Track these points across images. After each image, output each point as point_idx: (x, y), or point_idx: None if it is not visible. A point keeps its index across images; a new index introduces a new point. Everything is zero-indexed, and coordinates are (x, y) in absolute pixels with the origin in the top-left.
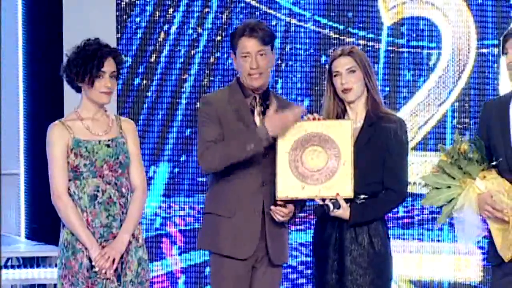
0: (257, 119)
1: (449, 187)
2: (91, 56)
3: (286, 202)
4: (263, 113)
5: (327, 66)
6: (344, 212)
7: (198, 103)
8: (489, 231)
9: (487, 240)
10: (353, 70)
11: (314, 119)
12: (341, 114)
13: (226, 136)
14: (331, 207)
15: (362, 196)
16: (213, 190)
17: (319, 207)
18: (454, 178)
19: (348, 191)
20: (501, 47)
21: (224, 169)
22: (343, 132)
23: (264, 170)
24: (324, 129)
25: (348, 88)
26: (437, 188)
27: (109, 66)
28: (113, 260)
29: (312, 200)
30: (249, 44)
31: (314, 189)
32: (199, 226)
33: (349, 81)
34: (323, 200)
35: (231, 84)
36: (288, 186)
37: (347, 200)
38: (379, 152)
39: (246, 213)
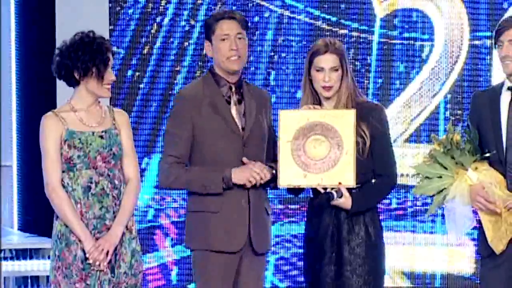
0: (233, 109)
1: (440, 177)
2: (99, 50)
3: (288, 191)
4: (239, 101)
5: (307, 56)
6: (346, 201)
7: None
8: (479, 222)
9: (477, 232)
10: (336, 69)
11: (315, 108)
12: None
13: (200, 135)
14: (335, 195)
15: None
16: None
17: (324, 195)
18: (446, 168)
19: (350, 180)
20: (494, 40)
21: (203, 165)
22: (346, 122)
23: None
24: (327, 118)
25: (330, 86)
26: (428, 177)
27: (112, 59)
28: (107, 252)
29: (307, 191)
30: (229, 26)
31: (316, 178)
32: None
33: (331, 79)
34: (325, 189)
35: (205, 76)
36: (290, 174)
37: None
38: (366, 141)
39: (233, 206)
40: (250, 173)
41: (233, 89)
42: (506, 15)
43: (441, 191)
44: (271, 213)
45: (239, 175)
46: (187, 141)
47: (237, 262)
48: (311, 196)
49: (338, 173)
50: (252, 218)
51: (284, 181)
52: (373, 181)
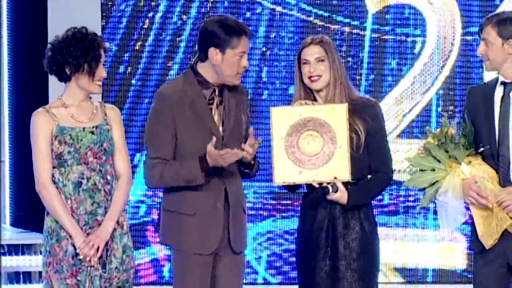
0: (214, 111)
1: (434, 169)
2: (90, 47)
3: (284, 187)
4: (220, 102)
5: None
6: (342, 195)
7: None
8: (471, 217)
9: (469, 227)
10: (322, 59)
11: (307, 104)
12: None
13: (181, 135)
14: (331, 189)
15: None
16: (171, 187)
17: (319, 189)
18: (439, 161)
19: (345, 174)
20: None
21: None
22: (338, 116)
23: None
24: (319, 113)
25: (316, 76)
26: (421, 170)
27: (103, 56)
28: (98, 248)
29: (302, 187)
30: (248, 44)
31: (311, 174)
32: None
33: (317, 69)
34: (320, 184)
35: (185, 73)
36: (284, 171)
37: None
38: (361, 137)
39: (209, 209)
40: (222, 163)
41: (217, 91)
42: (498, 11)
43: (434, 184)
44: (262, 209)
45: (214, 162)
46: (171, 141)
47: (214, 262)
48: (305, 191)
49: (333, 168)
50: (231, 219)
51: (280, 179)
52: (369, 176)
